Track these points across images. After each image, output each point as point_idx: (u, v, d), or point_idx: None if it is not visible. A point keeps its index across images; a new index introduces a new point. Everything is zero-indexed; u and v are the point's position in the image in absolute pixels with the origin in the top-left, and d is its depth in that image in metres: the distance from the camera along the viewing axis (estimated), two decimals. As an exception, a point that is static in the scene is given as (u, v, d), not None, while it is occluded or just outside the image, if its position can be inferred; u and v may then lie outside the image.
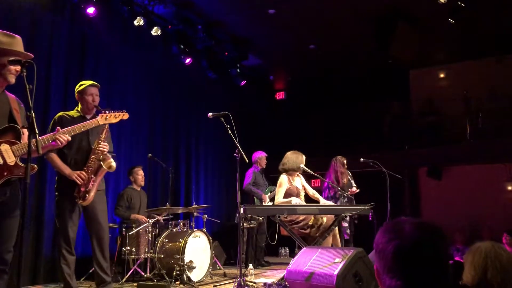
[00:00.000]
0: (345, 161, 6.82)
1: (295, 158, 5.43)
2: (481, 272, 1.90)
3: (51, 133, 3.12)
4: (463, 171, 9.96)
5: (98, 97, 4.12)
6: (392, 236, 1.21)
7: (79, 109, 4.13)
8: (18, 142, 2.80)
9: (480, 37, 8.81)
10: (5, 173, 2.71)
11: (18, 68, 2.77)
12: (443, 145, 9.46)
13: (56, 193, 4.01)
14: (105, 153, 3.96)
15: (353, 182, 6.82)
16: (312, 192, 5.59)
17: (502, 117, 9.19)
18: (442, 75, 10.82)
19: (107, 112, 3.71)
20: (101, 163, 3.92)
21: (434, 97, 10.48)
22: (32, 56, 2.82)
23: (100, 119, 3.63)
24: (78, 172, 3.85)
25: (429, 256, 1.18)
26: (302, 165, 5.38)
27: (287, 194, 5.30)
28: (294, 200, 5.17)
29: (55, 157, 3.89)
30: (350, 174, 6.93)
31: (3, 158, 2.71)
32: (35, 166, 2.77)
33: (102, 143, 3.93)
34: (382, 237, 1.25)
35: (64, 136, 3.13)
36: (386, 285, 1.22)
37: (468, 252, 2.12)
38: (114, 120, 3.73)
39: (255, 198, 7.25)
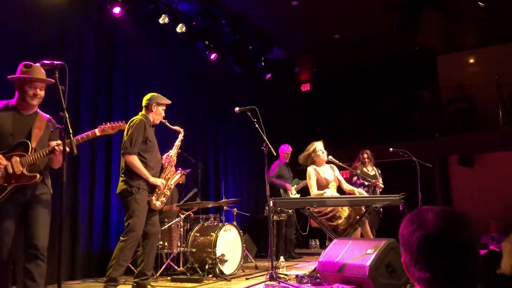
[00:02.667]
0: (363, 155, 6.81)
1: (309, 150, 5.45)
2: (520, 261, 1.85)
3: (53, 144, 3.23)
4: (496, 158, 9.69)
5: None
6: (416, 227, 1.18)
7: (146, 115, 4.41)
8: (26, 155, 3.16)
9: (511, 20, 8.52)
10: (13, 181, 3.12)
11: (36, 91, 3.18)
12: (475, 132, 9.23)
13: (136, 196, 4.14)
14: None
15: (380, 179, 6.74)
16: (347, 187, 5.52)
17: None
18: (471, 60, 10.52)
19: (104, 124, 3.77)
20: (182, 174, 4.62)
21: (463, 83, 10.20)
22: (53, 81, 3.03)
23: (98, 131, 3.67)
24: (161, 179, 4.34)
25: (455, 245, 1.14)
26: (322, 153, 5.35)
27: (317, 185, 5.28)
28: (328, 192, 5.15)
29: (139, 161, 4.19)
30: (379, 171, 6.87)
31: (12, 168, 3.11)
32: (37, 175, 3.17)
33: (175, 157, 4.55)
34: (406, 228, 1.21)
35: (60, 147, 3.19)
36: (415, 277, 1.19)
37: (506, 241, 2.06)
38: (111, 131, 3.79)
39: (281, 190, 7.24)
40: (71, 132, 2.68)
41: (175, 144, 4.63)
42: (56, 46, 5.64)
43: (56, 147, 3.16)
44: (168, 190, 4.42)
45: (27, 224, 3.20)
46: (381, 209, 6.27)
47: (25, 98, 3.19)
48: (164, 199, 4.36)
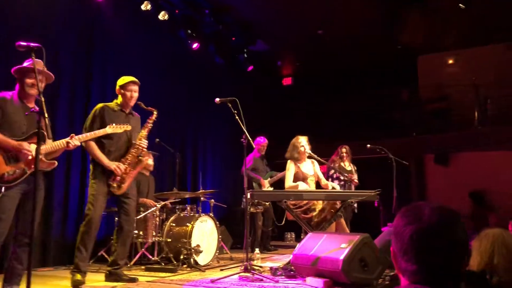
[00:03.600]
0: (341, 150, 6.89)
1: (292, 144, 5.47)
2: (488, 258, 1.90)
3: (66, 138, 3.59)
4: (471, 158, 9.89)
5: (137, 94, 4.44)
6: (411, 220, 1.19)
7: (118, 102, 4.42)
8: (44, 143, 3.39)
9: (490, 23, 8.68)
10: (32, 166, 3.30)
11: (34, 82, 3.30)
12: (451, 132, 9.40)
13: (92, 180, 4.22)
14: (145, 150, 4.32)
15: (356, 176, 6.83)
16: (324, 182, 5.57)
17: (510, 104, 9.12)
18: (451, 61, 10.69)
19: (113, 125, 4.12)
20: (141, 159, 4.30)
21: (442, 83, 10.38)
22: (52, 75, 3.43)
23: (109, 129, 4.04)
24: (117, 163, 4.19)
25: (447, 243, 1.15)
26: (304, 149, 5.37)
27: (295, 179, 5.32)
28: (301, 185, 5.18)
29: (94, 146, 4.19)
30: (355, 168, 6.97)
31: (32, 154, 3.30)
32: (55, 162, 3.45)
33: (143, 139, 4.30)
34: (401, 219, 1.23)
35: (76, 142, 3.60)
36: (402, 269, 1.21)
37: (476, 238, 2.11)
38: (119, 130, 4.13)
39: (254, 183, 7.21)
40: (46, 116, 2.64)
41: (145, 125, 4.42)
42: (34, 28, 5.51)
43: (70, 141, 3.53)
44: (128, 175, 4.23)
45: (25, 211, 3.36)
46: (356, 205, 6.36)
47: (24, 87, 3.42)
48: (124, 184, 4.21)
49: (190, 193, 6.54)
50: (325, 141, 8.72)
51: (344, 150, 6.91)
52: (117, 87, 4.43)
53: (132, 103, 4.41)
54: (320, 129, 9.87)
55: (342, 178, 6.70)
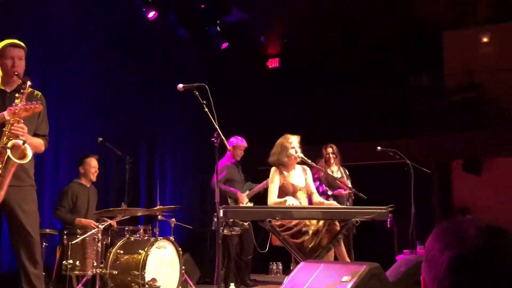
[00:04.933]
0: (326, 150, 6.89)
1: (280, 145, 5.39)
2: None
3: None
4: (510, 165, 10.04)
5: (23, 62, 4.09)
6: (450, 242, 1.18)
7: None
8: None
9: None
10: None
11: None
12: (485, 130, 9.52)
13: None
14: (21, 137, 3.80)
15: (349, 182, 6.71)
16: (317, 199, 5.50)
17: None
18: (485, 39, 10.84)
19: (18, 104, 3.73)
20: (8, 152, 3.77)
21: (474, 67, 10.50)
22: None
23: (8, 114, 3.67)
24: None
25: (496, 272, 1.13)
26: (295, 151, 5.33)
27: (281, 192, 5.28)
28: (290, 201, 5.16)
29: None
30: (347, 172, 6.89)
31: None
32: None
33: (16, 124, 3.79)
34: (436, 241, 1.21)
35: None
36: None
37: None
38: (24, 114, 3.73)
39: (229, 199, 7.10)
40: None
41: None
42: None
43: None
44: (4, 177, 3.85)
45: None
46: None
47: None
48: (2, 191, 3.85)
49: (143, 209, 6.50)
50: (320, 142, 8.75)
51: (330, 150, 6.80)
52: None
53: (16, 73, 4.01)
54: (314, 126, 9.90)
55: (329, 193, 6.60)
